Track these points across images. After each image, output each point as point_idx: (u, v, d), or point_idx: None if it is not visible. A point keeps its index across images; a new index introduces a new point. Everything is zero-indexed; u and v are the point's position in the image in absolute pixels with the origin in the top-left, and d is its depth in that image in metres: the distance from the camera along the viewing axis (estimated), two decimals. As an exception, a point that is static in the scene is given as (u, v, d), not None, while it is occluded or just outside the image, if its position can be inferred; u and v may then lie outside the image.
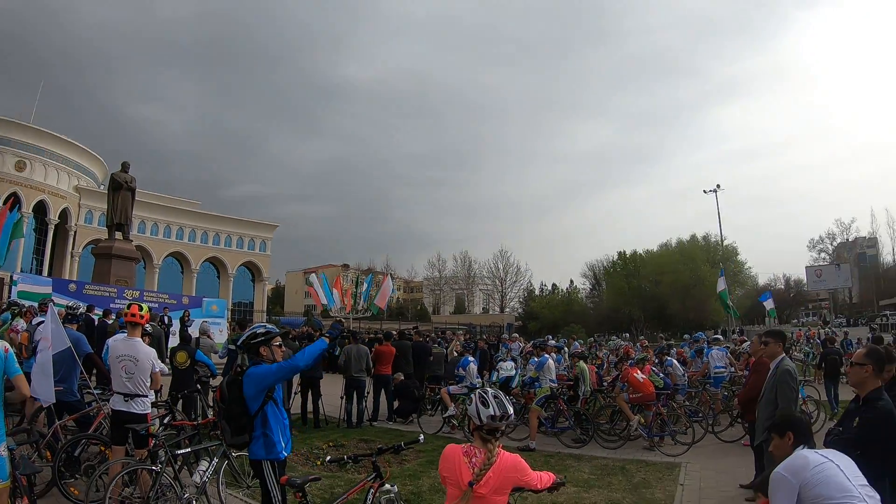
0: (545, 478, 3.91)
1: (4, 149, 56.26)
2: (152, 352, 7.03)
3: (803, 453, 3.63)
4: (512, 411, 3.68)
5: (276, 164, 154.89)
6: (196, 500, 6.45)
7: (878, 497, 3.46)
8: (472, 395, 3.70)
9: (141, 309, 6.89)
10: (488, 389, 3.70)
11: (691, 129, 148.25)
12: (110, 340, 7.55)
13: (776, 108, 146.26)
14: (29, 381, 6.02)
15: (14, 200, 41.92)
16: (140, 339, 6.95)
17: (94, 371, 9.54)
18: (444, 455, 3.64)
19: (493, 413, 3.53)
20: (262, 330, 5.20)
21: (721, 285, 33.49)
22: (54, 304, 9.93)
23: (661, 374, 13.09)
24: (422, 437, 6.18)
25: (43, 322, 9.08)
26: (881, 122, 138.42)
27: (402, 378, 14.82)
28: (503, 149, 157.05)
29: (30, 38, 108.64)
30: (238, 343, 5.83)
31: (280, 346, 5.12)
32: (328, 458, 5.58)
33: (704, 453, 10.86)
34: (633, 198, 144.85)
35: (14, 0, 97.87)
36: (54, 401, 7.39)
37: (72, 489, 7.06)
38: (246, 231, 73.38)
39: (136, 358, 6.75)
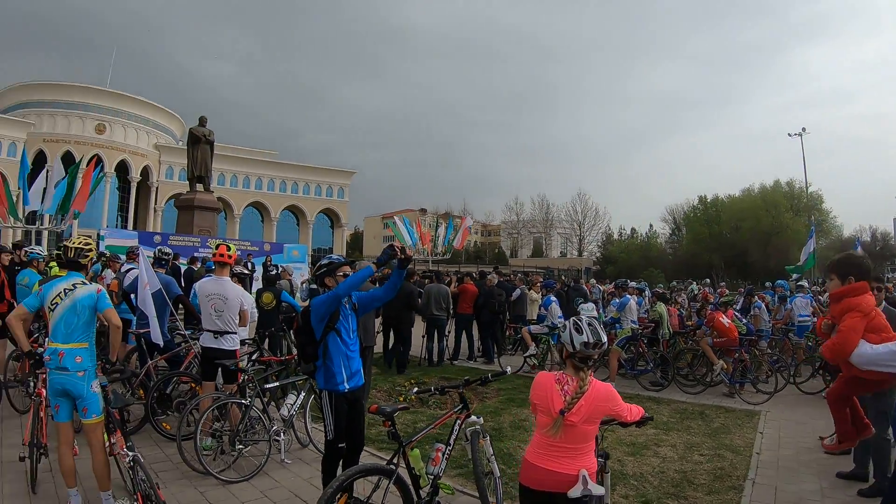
0: (635, 410, 3.88)
1: (84, 114, 60.88)
2: (240, 290, 7.22)
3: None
4: (605, 339, 3.64)
5: (344, 112, 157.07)
6: (283, 433, 6.74)
7: None
8: (567, 322, 3.64)
9: (228, 249, 7.11)
10: (583, 317, 3.65)
11: (773, 70, 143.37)
12: (199, 282, 7.77)
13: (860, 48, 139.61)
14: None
15: (97, 160, 43.55)
16: (228, 279, 7.15)
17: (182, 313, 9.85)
18: (536, 382, 3.63)
19: (586, 340, 3.50)
20: (325, 261, 5.27)
21: (810, 247, 26.66)
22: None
23: (744, 320, 12.83)
24: (509, 368, 6.23)
25: (132, 269, 9.57)
26: None
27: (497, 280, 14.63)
28: (578, 91, 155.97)
29: (97, 10, 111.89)
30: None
31: (345, 276, 5.12)
32: (415, 389, 5.64)
33: (784, 403, 10.62)
34: (712, 141, 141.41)
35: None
36: (161, 343, 7.85)
37: (164, 425, 7.48)
38: (323, 178, 75.38)
39: (224, 296, 6.98)
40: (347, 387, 5.01)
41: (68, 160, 40.62)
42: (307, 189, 74.56)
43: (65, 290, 5.16)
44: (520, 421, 8.62)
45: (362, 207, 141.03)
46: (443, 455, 4.78)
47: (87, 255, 5.50)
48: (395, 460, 4.55)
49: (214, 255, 7.20)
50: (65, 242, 5.67)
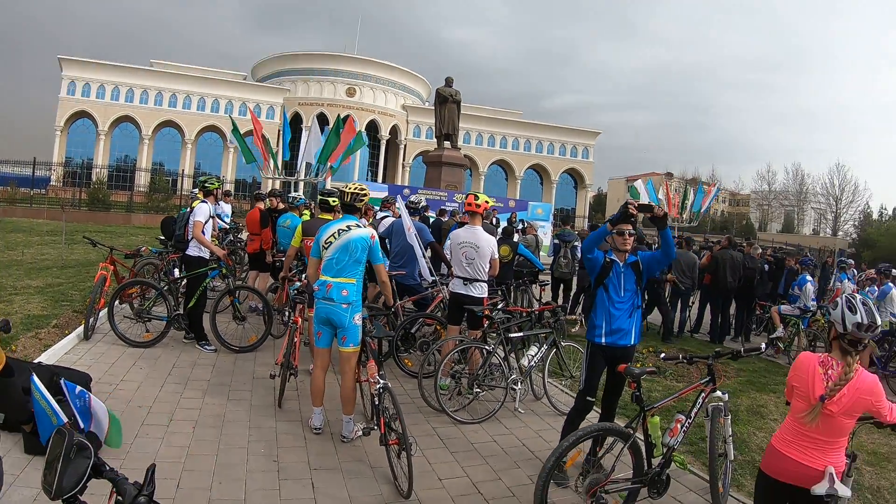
0: None
1: (335, 79, 67.18)
2: (493, 240, 7.37)
3: None
4: (880, 322, 3.26)
5: (592, 73, 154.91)
6: (520, 383, 6.84)
7: None
8: (839, 300, 3.28)
9: (477, 198, 7.23)
10: (856, 295, 3.28)
11: None
12: (454, 230, 8.07)
13: None
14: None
15: (351, 120, 46.81)
16: (480, 227, 7.32)
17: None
18: (798, 363, 3.35)
19: (860, 321, 3.13)
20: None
21: None
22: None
23: None
24: (763, 344, 5.89)
25: (386, 216, 10.46)
26: None
27: None
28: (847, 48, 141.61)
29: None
30: None
31: (619, 234, 5.02)
32: (662, 355, 5.48)
33: None
34: None
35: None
36: (431, 276, 8.61)
37: (406, 361, 7.99)
38: (568, 139, 76.14)
39: (476, 245, 7.17)
40: (605, 341, 5.04)
41: (322, 121, 43.59)
42: (551, 148, 75.13)
43: (339, 230, 5.60)
44: (758, 406, 7.95)
45: (607, 169, 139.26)
46: (681, 427, 4.62)
47: (362, 200, 5.91)
48: (633, 424, 4.53)
49: (466, 203, 7.47)
50: (340, 188, 6.19)
